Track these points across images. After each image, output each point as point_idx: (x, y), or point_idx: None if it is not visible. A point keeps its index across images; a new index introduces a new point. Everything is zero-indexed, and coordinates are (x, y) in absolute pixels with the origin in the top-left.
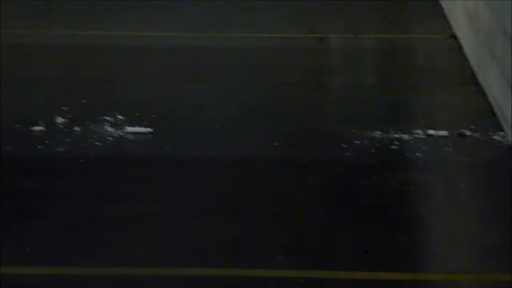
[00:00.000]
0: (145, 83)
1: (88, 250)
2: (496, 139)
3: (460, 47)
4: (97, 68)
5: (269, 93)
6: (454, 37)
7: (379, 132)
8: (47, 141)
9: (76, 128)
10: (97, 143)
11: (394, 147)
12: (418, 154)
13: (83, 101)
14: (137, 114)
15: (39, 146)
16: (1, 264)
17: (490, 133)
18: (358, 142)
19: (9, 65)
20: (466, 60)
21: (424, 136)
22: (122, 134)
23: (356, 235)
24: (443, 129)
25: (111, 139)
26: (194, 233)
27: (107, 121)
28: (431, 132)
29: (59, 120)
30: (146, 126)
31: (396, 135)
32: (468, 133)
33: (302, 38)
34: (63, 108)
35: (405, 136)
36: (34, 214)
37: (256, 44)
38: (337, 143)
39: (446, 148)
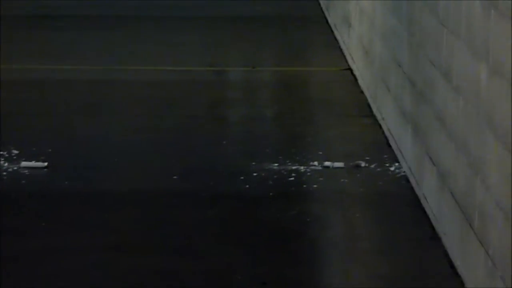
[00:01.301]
0: (43, 117)
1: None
2: (391, 170)
3: (355, 79)
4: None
5: (169, 126)
6: (350, 69)
7: (276, 164)
8: None
9: None
10: None
11: (291, 179)
12: (314, 186)
13: None
14: (33, 148)
15: None
16: None
17: (385, 164)
18: (255, 174)
19: None
20: (362, 92)
21: (320, 168)
22: (16, 168)
23: (254, 268)
24: (339, 161)
25: (5, 174)
26: (92, 268)
27: (2, 155)
28: (327, 163)
29: None
30: (42, 161)
31: (293, 167)
32: (363, 164)
33: (202, 71)
34: None
35: (302, 168)
36: None
37: (154, 77)
38: (235, 176)
39: (342, 180)
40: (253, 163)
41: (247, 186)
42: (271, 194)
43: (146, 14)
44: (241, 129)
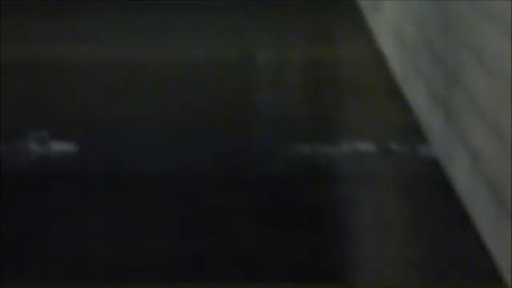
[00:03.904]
0: (73, 98)
1: (15, 263)
2: (422, 153)
3: (386, 62)
4: (23, 83)
5: (199, 108)
6: (381, 52)
7: (307, 147)
8: None
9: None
10: (22, 160)
11: (322, 161)
12: (345, 168)
13: (6, 116)
14: (64, 130)
15: None
16: None
17: (415, 147)
18: (286, 157)
19: None
20: (392, 75)
21: (351, 150)
22: (47, 151)
23: (287, 248)
24: (369, 143)
25: (35, 156)
26: (121, 251)
27: (31, 137)
28: (358, 146)
29: None
30: (73, 143)
31: (323, 150)
32: (394, 147)
33: (233, 54)
34: None
35: (333, 150)
36: None
37: (187, 59)
38: (267, 159)
39: (373, 162)
40: (283, 146)
41: (277, 169)
42: (300, 177)
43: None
44: (271, 111)
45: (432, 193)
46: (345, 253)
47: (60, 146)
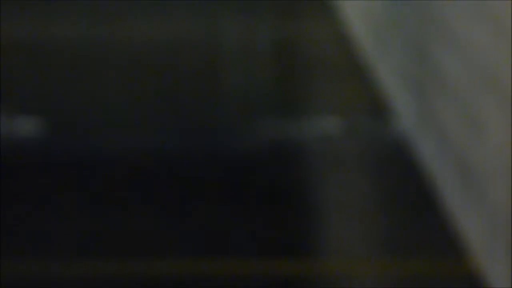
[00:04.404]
0: (29, 77)
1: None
2: (388, 129)
3: (351, 35)
4: None
5: (164, 86)
6: (345, 25)
7: (270, 124)
8: None
9: None
10: None
11: (286, 138)
12: (309, 145)
13: None
14: (23, 109)
15: None
16: None
17: (382, 123)
18: (249, 133)
19: None
20: (357, 48)
21: (316, 126)
22: (9, 127)
23: (253, 224)
24: (335, 119)
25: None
26: (87, 231)
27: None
28: (323, 122)
29: None
30: (39, 121)
31: (288, 126)
32: (360, 122)
33: (193, 28)
34: None
35: (297, 127)
36: None
37: (148, 37)
38: (231, 135)
39: (338, 138)
40: (247, 122)
41: (244, 145)
42: (267, 152)
43: None
44: (237, 88)
45: (398, 171)
46: (304, 231)
47: (22, 124)
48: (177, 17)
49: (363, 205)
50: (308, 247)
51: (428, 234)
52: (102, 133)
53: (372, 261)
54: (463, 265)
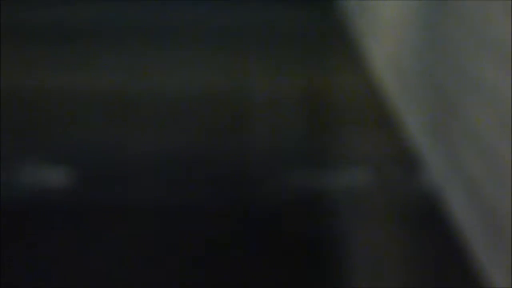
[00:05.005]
0: (67, 128)
1: None
2: (417, 183)
3: (380, 90)
4: (19, 113)
5: (193, 138)
6: (376, 80)
7: (299, 177)
8: None
9: None
10: (16, 192)
11: (315, 191)
12: (339, 198)
13: (3, 145)
14: (59, 159)
15: None
16: None
17: (411, 177)
18: (278, 186)
19: None
20: (387, 103)
21: (345, 180)
22: (44, 180)
23: (278, 277)
24: (364, 173)
25: (28, 185)
26: (117, 278)
27: (26, 166)
28: (352, 176)
29: None
30: (69, 171)
31: (317, 180)
32: (389, 176)
33: (224, 83)
34: None
35: (326, 180)
36: None
37: (181, 89)
38: (260, 187)
39: (368, 192)
40: (276, 176)
41: (271, 196)
42: (293, 206)
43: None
44: (265, 140)
45: (427, 224)
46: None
47: (59, 174)
48: (213, 71)
49: (391, 258)
50: None
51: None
52: (129, 183)
53: None
54: None
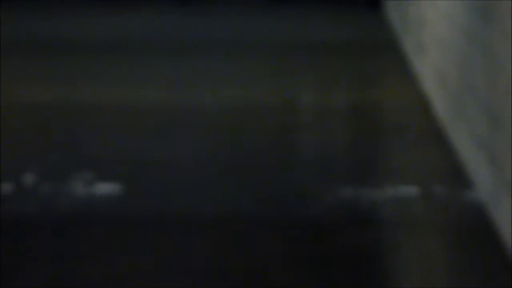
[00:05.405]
0: (115, 142)
1: None
2: (465, 198)
3: (429, 105)
4: (67, 126)
5: (238, 151)
6: (424, 95)
7: (349, 190)
8: (14, 201)
9: (45, 188)
10: (66, 201)
11: (364, 205)
12: (388, 212)
13: (52, 159)
14: (107, 172)
15: (5, 206)
16: None
17: (459, 192)
18: (328, 199)
19: None
20: (435, 118)
21: (394, 194)
22: (91, 191)
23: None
24: (413, 187)
25: (80, 197)
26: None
27: (77, 179)
28: (401, 190)
29: (27, 179)
30: (115, 183)
31: (366, 193)
32: (437, 191)
33: (273, 97)
34: (33, 167)
35: (375, 194)
36: None
37: (228, 102)
38: (308, 202)
39: (416, 206)
40: (325, 188)
41: (319, 211)
42: (343, 220)
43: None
44: (314, 154)
45: (476, 239)
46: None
47: (103, 187)
48: (264, 86)
49: (442, 275)
50: None
51: None
52: (174, 195)
53: None
54: None
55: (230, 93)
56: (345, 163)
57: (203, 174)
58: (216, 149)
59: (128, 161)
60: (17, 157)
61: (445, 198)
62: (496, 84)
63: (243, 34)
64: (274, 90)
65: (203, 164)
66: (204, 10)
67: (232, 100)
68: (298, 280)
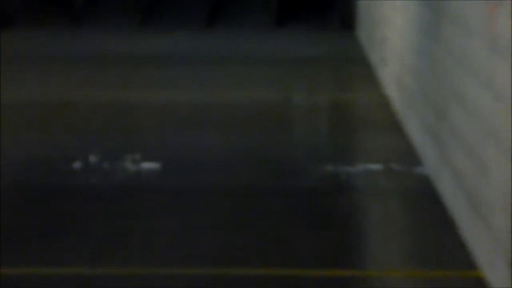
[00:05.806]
0: (157, 131)
1: (117, 253)
2: (416, 172)
3: (390, 104)
4: (123, 120)
5: (250, 137)
6: (386, 96)
7: (331, 166)
8: (83, 174)
9: (106, 165)
10: (121, 175)
11: (342, 177)
12: (359, 182)
13: (112, 145)
14: (151, 154)
15: (77, 178)
16: (44, 262)
17: (412, 167)
18: (315, 173)
19: (61, 119)
20: (394, 113)
21: (364, 169)
22: (139, 168)
23: (314, 240)
24: (377, 164)
25: (131, 172)
26: (188, 231)
27: (129, 158)
28: (369, 166)
29: (93, 158)
30: (157, 163)
31: (344, 168)
32: (396, 167)
33: (274, 96)
34: (97, 149)
35: (350, 169)
36: (71, 227)
37: (239, 100)
38: (300, 174)
39: (379, 178)
40: (313, 165)
41: (309, 181)
42: (326, 188)
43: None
44: (304, 138)
45: (424, 202)
46: (356, 246)
47: (148, 165)
48: (266, 88)
49: (397, 227)
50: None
51: (444, 248)
52: (200, 171)
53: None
54: None
55: (242, 95)
56: (326, 146)
57: (222, 157)
58: (232, 136)
59: (166, 145)
60: (87, 142)
61: (401, 172)
62: (440, 86)
63: (250, 51)
64: (274, 90)
65: (222, 149)
66: (225, 32)
67: (243, 100)
68: (297, 232)
